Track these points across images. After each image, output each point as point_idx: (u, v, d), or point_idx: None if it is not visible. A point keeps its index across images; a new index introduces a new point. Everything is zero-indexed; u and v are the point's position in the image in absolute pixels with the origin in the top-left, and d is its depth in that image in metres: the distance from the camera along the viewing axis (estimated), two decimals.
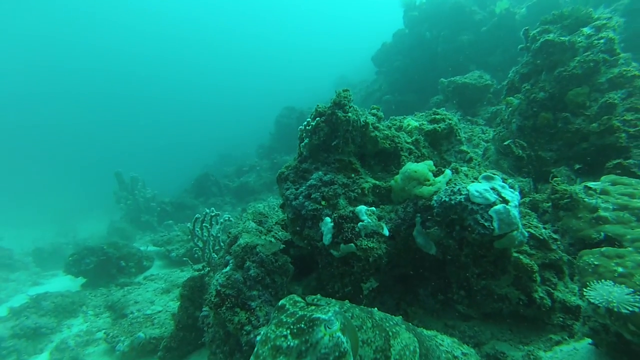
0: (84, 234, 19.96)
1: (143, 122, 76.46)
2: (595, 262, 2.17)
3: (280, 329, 1.27)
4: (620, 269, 2.01)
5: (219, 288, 3.26)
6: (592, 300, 1.94)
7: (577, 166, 4.54)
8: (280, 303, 1.40)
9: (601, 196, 2.63)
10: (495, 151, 5.29)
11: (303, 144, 3.63)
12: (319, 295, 1.54)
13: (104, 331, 6.28)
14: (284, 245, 3.72)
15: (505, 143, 4.62)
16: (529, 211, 3.90)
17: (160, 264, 9.76)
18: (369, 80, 23.51)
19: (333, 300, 1.65)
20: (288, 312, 1.34)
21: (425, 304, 3.65)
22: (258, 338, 3.03)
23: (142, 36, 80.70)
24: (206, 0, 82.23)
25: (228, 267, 3.40)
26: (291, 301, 1.40)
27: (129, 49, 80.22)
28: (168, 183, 31.56)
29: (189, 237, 9.89)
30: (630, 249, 2.11)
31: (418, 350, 1.70)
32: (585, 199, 2.62)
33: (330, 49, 66.91)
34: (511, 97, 5.21)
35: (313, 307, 1.36)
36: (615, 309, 1.84)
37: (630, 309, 1.79)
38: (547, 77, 4.64)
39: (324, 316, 1.26)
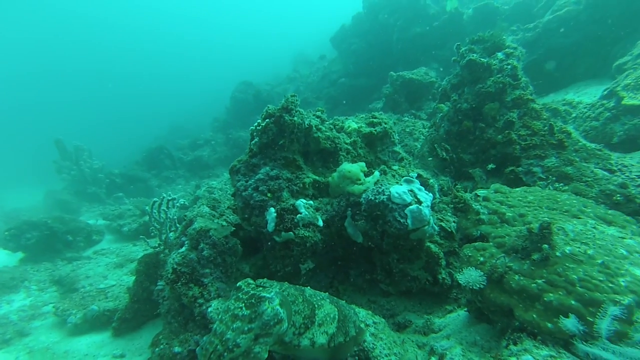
0: (13, 204, 18.86)
1: (87, 89, 70.76)
2: (469, 254, 2.92)
3: (237, 303, 1.81)
4: (481, 259, 2.76)
5: (175, 266, 3.73)
6: (460, 282, 2.68)
7: (490, 166, 5.39)
8: (238, 284, 1.94)
9: (483, 202, 3.39)
10: (426, 150, 6.06)
11: (254, 141, 4.09)
12: (265, 279, 2.08)
13: (52, 305, 6.36)
14: (234, 228, 4.23)
15: (429, 158, 5.36)
16: (446, 207, 4.69)
17: (111, 238, 9.82)
18: (327, 58, 23.78)
19: (275, 282, 2.21)
20: (243, 291, 1.88)
21: (354, 283, 4.35)
22: (209, 309, 3.58)
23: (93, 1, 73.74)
24: None
25: (184, 248, 3.86)
26: (245, 283, 1.94)
27: (75, 12, 72.85)
28: (116, 153, 30.31)
29: (142, 212, 10.05)
30: (491, 243, 2.87)
31: (337, 316, 2.35)
32: (473, 205, 3.37)
33: (289, 24, 65.29)
34: (442, 104, 5.95)
35: (261, 288, 1.92)
36: (471, 287, 2.59)
37: (478, 286, 2.55)
38: (470, 90, 5.40)
39: (268, 295, 1.83)
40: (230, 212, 4.64)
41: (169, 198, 4.76)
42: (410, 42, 15.89)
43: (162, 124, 38.78)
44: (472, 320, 3.29)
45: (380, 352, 2.91)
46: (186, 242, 3.98)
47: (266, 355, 1.77)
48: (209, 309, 3.57)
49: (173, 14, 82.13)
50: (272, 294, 1.86)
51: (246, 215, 3.93)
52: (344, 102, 16.84)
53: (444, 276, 3.94)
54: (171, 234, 4.68)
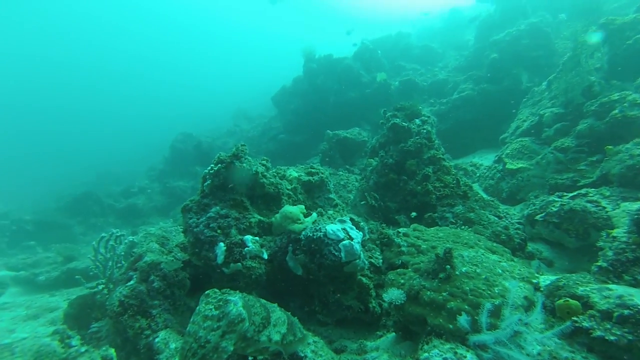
0: None
1: None
2: (393, 278, 3.55)
3: (207, 306, 2.18)
4: (402, 281, 3.40)
5: (122, 299, 3.83)
6: (385, 299, 3.26)
7: (413, 214, 6.28)
8: (206, 292, 2.31)
9: (403, 237, 4.13)
10: (358, 199, 6.87)
11: (206, 183, 4.52)
12: (229, 289, 2.47)
13: None
14: (182, 264, 4.45)
15: (362, 202, 6.18)
16: (375, 247, 5.36)
17: (16, 291, 8.82)
18: (265, 115, 24.96)
19: (237, 292, 2.61)
20: (211, 296, 2.26)
21: (294, 314, 4.69)
22: (157, 339, 3.71)
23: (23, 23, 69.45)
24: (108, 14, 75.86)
25: (132, 281, 4.00)
26: (213, 291, 2.32)
27: None
28: (26, 198, 27.49)
29: (66, 259, 9.39)
30: (409, 269, 3.54)
31: (287, 320, 2.78)
32: (395, 239, 4.09)
33: (231, 81, 66.54)
34: (372, 159, 6.93)
35: (226, 294, 2.31)
36: (394, 303, 3.18)
37: (399, 302, 3.14)
38: (395, 148, 6.43)
39: (233, 298, 2.23)
40: (178, 250, 4.86)
41: (118, 234, 4.85)
42: (345, 105, 17.62)
43: (87, 168, 36.30)
44: (398, 339, 3.83)
45: None
46: (134, 276, 4.12)
47: (232, 349, 2.14)
48: (156, 340, 3.70)
49: (107, 47, 79.85)
50: (236, 297, 2.27)
51: (197, 250, 4.22)
52: (283, 157, 17.71)
53: (374, 305, 4.47)
54: (116, 272, 4.71)
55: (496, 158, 8.36)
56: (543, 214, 5.01)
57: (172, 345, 3.65)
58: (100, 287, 4.87)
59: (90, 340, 4.50)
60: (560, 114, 7.77)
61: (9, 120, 63.86)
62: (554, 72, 9.07)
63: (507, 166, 7.52)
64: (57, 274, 8.74)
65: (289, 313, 2.95)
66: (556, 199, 5.16)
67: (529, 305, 2.79)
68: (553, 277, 3.23)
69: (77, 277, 5.09)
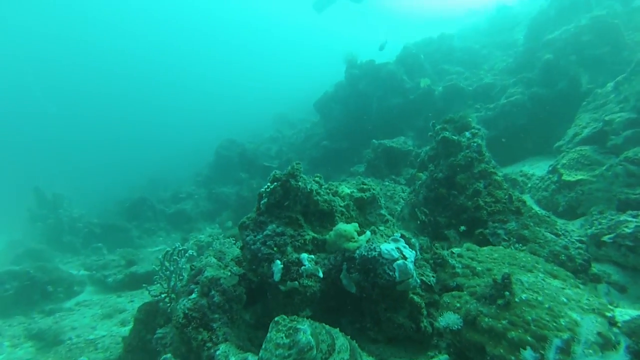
0: None
1: (58, 136, 69.40)
2: (448, 301, 3.54)
3: (278, 334, 2.33)
4: (458, 304, 3.38)
5: (186, 311, 4.11)
6: (440, 324, 3.27)
7: (462, 228, 6.16)
8: (275, 319, 2.46)
9: (457, 258, 4.09)
10: (407, 213, 6.84)
11: (262, 201, 4.72)
12: (296, 317, 2.61)
13: None
14: (238, 278, 4.68)
15: (417, 220, 6.15)
16: (426, 264, 5.33)
17: (92, 290, 9.74)
18: (307, 119, 25.29)
19: (305, 319, 2.75)
20: (281, 324, 2.40)
21: (345, 330, 4.77)
22: (217, 352, 3.93)
23: (80, 44, 75.46)
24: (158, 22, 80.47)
25: (194, 294, 4.27)
26: (282, 318, 2.47)
27: (54, 50, 73.81)
28: (87, 201, 29.73)
29: (128, 263, 10.14)
30: (465, 292, 3.51)
31: (349, 346, 2.88)
32: (449, 260, 4.06)
33: (271, 86, 67.49)
34: (421, 173, 6.89)
35: (295, 322, 2.45)
36: (450, 328, 3.17)
37: (456, 327, 3.13)
38: (444, 162, 6.35)
39: (302, 327, 2.37)
40: (234, 263, 5.10)
41: (180, 249, 5.20)
42: (388, 111, 17.50)
43: (139, 175, 38.58)
44: None
45: None
46: (196, 290, 4.39)
47: None
48: (217, 352, 3.92)
49: (154, 62, 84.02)
50: (305, 325, 2.40)
51: (253, 267, 4.44)
52: (327, 164, 17.87)
53: (425, 324, 4.45)
54: (179, 284, 5.05)
55: (550, 168, 7.95)
56: (613, 235, 4.72)
57: (232, 359, 3.85)
58: (163, 295, 5.22)
59: (157, 345, 4.84)
60: (632, 120, 7.24)
61: (75, 129, 69.64)
62: (623, 71, 8.33)
63: (563, 177, 7.14)
64: (122, 276, 9.50)
65: (349, 337, 3.04)
66: (630, 219, 4.83)
67: (604, 343, 2.68)
68: (634, 313, 3.06)
69: (143, 285, 5.52)
